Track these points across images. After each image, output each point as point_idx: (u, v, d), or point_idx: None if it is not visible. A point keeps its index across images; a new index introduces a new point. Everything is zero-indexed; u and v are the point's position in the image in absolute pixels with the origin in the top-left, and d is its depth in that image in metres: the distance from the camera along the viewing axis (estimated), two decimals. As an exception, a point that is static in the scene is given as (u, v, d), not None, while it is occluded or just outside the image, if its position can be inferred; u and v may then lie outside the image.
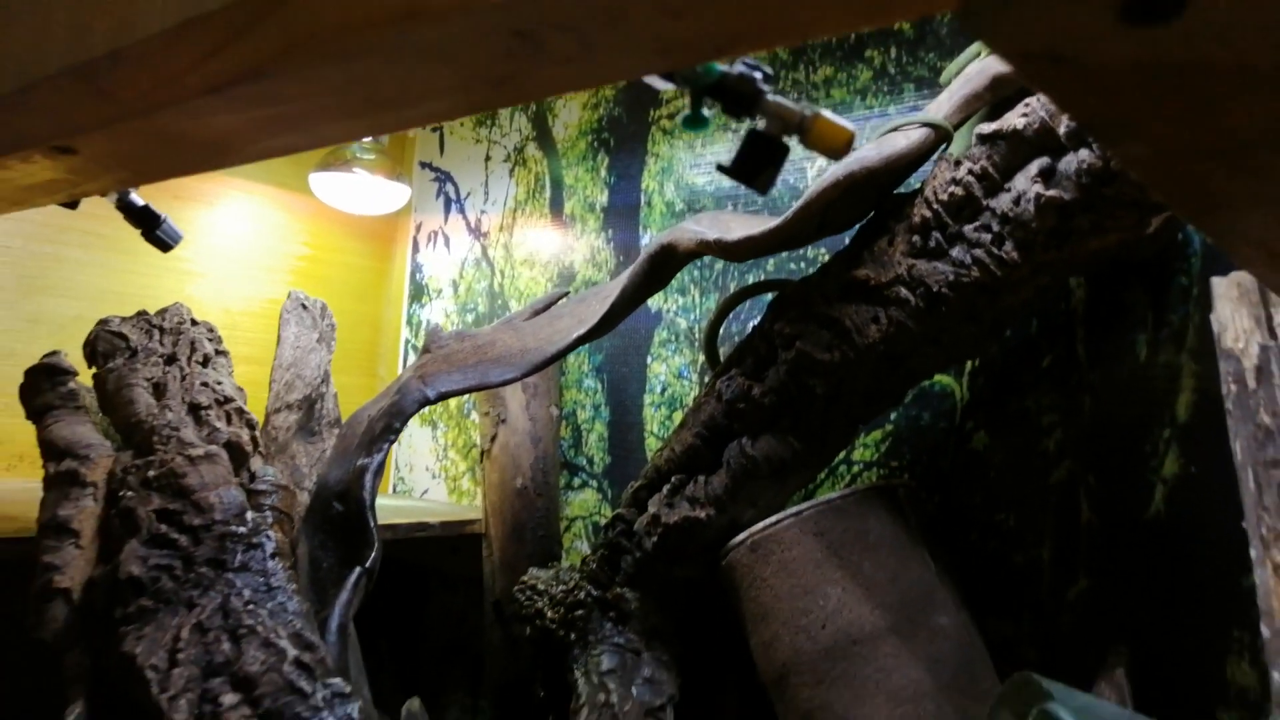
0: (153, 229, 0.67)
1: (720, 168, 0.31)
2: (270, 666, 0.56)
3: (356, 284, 1.20)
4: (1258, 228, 0.28)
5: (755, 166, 0.30)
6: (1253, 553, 0.47)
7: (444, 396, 0.79)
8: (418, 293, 1.20)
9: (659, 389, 0.95)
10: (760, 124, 0.30)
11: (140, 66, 0.31)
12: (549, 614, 0.83)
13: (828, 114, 0.30)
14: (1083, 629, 0.68)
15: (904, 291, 0.61)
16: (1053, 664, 0.69)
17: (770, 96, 0.30)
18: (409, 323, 1.20)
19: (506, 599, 0.90)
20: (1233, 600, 0.60)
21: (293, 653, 0.57)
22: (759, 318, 0.72)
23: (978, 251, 0.58)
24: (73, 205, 0.52)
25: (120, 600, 0.58)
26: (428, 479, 1.15)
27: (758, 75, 0.29)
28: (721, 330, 0.83)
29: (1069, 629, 0.69)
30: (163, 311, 0.76)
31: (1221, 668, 0.61)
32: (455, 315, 1.15)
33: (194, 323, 0.77)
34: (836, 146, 0.30)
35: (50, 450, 0.65)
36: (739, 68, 0.30)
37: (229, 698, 0.54)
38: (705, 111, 0.29)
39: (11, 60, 0.38)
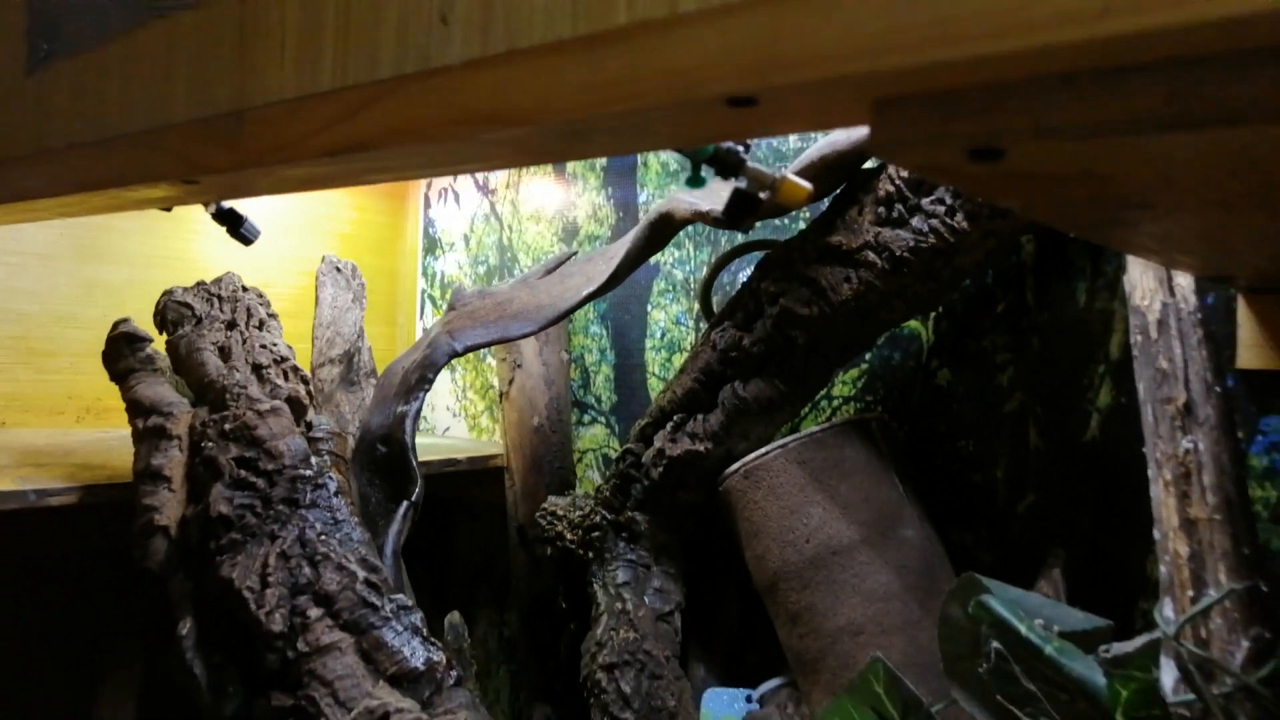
0: (237, 228, 0.76)
1: (714, 219, 0.41)
2: (345, 585, 0.67)
3: (374, 239, 1.28)
4: (1140, 242, 0.38)
5: (739, 214, 0.39)
6: (1150, 471, 0.57)
7: (470, 349, 0.89)
8: (431, 246, 1.29)
9: (659, 334, 1.05)
10: (742, 183, 0.39)
11: (265, 127, 0.40)
12: (568, 536, 0.95)
13: (792, 176, 0.39)
14: (1029, 536, 0.80)
15: (872, 255, 0.71)
16: (1004, 567, 0.80)
17: (749, 164, 0.39)
18: (424, 274, 1.30)
19: (529, 524, 1.02)
20: (1149, 509, 0.71)
21: (362, 574, 0.69)
22: (747, 273, 0.82)
23: (933, 221, 0.67)
24: (168, 209, 0.61)
25: (213, 534, 0.69)
26: (449, 417, 1.26)
27: (740, 149, 0.39)
28: (715, 282, 0.92)
29: (1018, 537, 0.81)
30: (218, 280, 0.85)
31: (1142, 566, 0.73)
32: (468, 267, 1.24)
33: (244, 289, 0.86)
34: (798, 200, 0.39)
35: (137, 408, 0.75)
36: (726, 144, 0.39)
37: (314, 612, 0.65)
38: (703, 174, 0.38)
39: (141, 103, 0.47)
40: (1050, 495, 0.79)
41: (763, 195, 0.40)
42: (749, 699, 0.84)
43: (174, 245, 1.07)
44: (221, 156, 0.43)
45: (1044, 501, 0.80)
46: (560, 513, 0.97)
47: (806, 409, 0.92)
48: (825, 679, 0.76)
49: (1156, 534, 0.56)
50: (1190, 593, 0.54)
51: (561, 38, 0.30)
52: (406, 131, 0.35)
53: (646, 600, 0.86)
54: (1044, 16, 0.22)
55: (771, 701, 0.82)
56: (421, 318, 1.30)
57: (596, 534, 0.91)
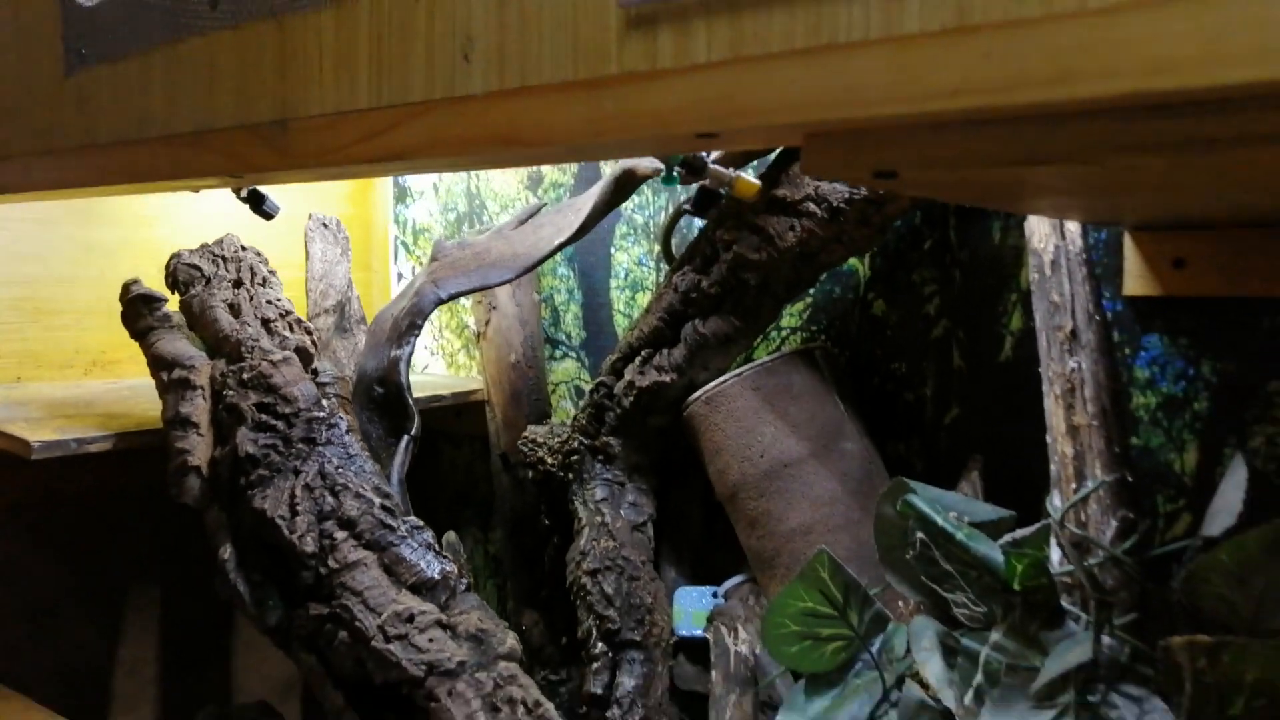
0: (260, 205, 0.84)
1: (685, 210, 0.50)
2: (364, 511, 0.77)
3: (347, 190, 1.35)
4: (1031, 209, 0.48)
5: (705, 206, 0.49)
6: (1044, 387, 0.69)
7: (454, 296, 0.98)
8: (401, 195, 1.36)
9: (622, 275, 1.15)
10: (706, 182, 0.48)
11: (308, 135, 0.49)
12: (549, 460, 1.05)
13: (745, 175, 0.48)
14: (953, 445, 0.92)
15: (812, 206, 0.81)
16: (932, 472, 0.93)
17: (711, 167, 0.48)
18: (396, 222, 1.37)
19: (512, 452, 1.12)
20: (1051, 418, 0.83)
21: (377, 501, 0.79)
22: (702, 221, 0.91)
23: (865, 176, 0.77)
24: (197, 190, 0.68)
25: (242, 472, 0.78)
26: (427, 356, 1.35)
27: (705, 155, 0.48)
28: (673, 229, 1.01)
29: (944, 446, 0.93)
30: (219, 242, 0.92)
31: (1045, 466, 0.85)
32: (438, 214, 1.32)
33: (244, 249, 0.94)
34: (750, 194, 0.48)
35: (160, 362, 0.84)
36: (694, 153, 0.48)
37: (339, 534, 0.75)
38: (674, 174, 0.47)
39: (186, 107, 0.55)
40: (971, 409, 0.91)
41: (722, 191, 0.49)
42: (715, 594, 0.96)
43: (159, 205, 1.13)
44: (268, 158, 0.51)
45: (965, 414, 0.92)
46: (540, 440, 1.08)
47: (758, 341, 1.02)
48: (780, 573, 0.88)
49: (1049, 439, 0.68)
50: (1074, 485, 0.66)
51: (566, 79, 0.40)
52: (437, 146, 0.44)
53: (622, 513, 0.97)
54: (919, 92, 0.31)
55: (735, 595, 0.94)
56: (395, 262, 1.37)
57: (575, 457, 1.01)
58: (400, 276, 1.37)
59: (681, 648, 0.95)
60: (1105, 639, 0.62)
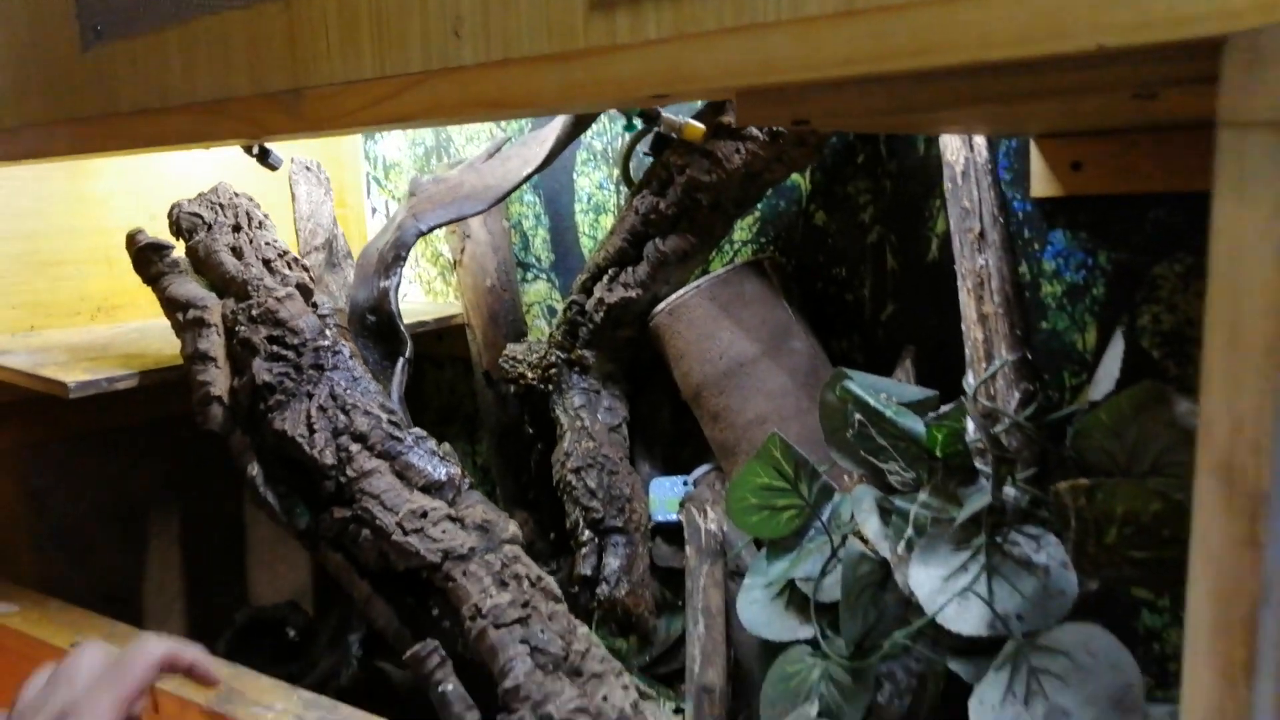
0: (265, 158, 0.91)
1: (646, 152, 0.59)
2: (374, 425, 0.87)
3: (316, 130, 1.41)
4: (943, 130, 0.58)
5: (660, 149, 0.57)
6: (958, 282, 0.80)
7: (434, 228, 1.07)
8: (370, 132, 1.42)
9: (585, 199, 1.24)
10: (660, 128, 0.57)
11: (321, 102, 0.57)
12: (529, 375, 1.16)
13: (691, 121, 0.57)
14: (890, 338, 1.04)
15: (755, 130, 0.90)
16: (871, 363, 1.04)
17: (664, 115, 0.57)
18: (367, 158, 1.44)
19: (493, 369, 1.22)
20: (971, 309, 0.95)
21: (384, 416, 0.89)
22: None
23: (800, 103, 0.87)
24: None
25: (260, 398, 0.88)
26: (406, 285, 1.43)
27: (659, 106, 0.57)
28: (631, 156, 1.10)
29: (881, 340, 1.04)
30: (214, 190, 1.00)
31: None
32: (406, 149, 1.39)
33: (237, 195, 1.01)
34: (697, 136, 0.58)
35: (174, 304, 0.92)
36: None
37: (354, 447, 0.86)
38: (634, 122, 0.56)
39: (203, 78, 0.63)
40: (904, 305, 1.03)
41: (673, 135, 0.57)
42: (686, 483, 1.08)
43: (144, 157, 1.19)
44: (285, 122, 0.60)
45: (899, 310, 1.03)
46: (520, 357, 1.18)
47: (713, 254, 1.12)
48: (741, 459, 1.00)
49: (963, 326, 0.80)
50: (984, 365, 0.78)
51: (542, 53, 0.49)
52: (435, 110, 0.53)
53: (600, 417, 1.08)
54: (819, 61, 0.41)
55: (703, 482, 1.06)
56: (369, 197, 1.45)
57: (553, 370, 1.12)
58: (374, 211, 1.45)
59: (658, 531, 1.07)
60: (1010, 490, 0.74)
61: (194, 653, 0.62)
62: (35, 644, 0.86)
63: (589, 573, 1.00)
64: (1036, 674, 0.65)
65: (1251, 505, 0.29)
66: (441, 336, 1.33)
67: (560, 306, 1.19)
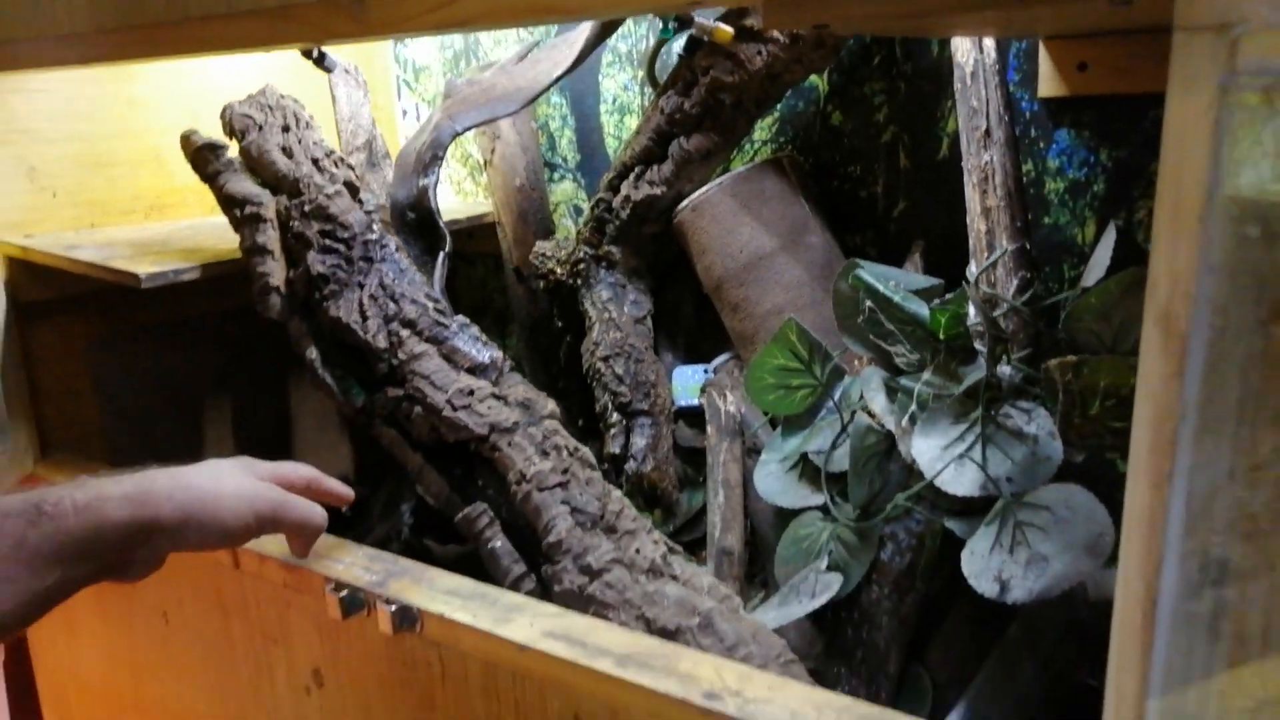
0: (322, 61, 0.96)
1: (680, 53, 0.65)
2: (421, 313, 0.95)
3: (347, 34, 1.45)
4: (957, 33, 0.64)
5: (692, 51, 0.62)
6: (965, 178, 0.86)
7: (468, 129, 1.13)
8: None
9: (610, 100, 1.28)
10: (693, 30, 0.62)
11: (384, 9, 0.62)
12: (558, 270, 1.22)
13: (722, 25, 0.62)
14: (901, 233, 1.09)
15: (776, 33, 0.95)
16: (884, 257, 1.10)
17: (697, 20, 0.62)
18: (396, 61, 1.48)
19: (524, 266, 1.29)
20: (978, 205, 1.00)
21: (430, 305, 0.96)
22: (679, 44, 1.04)
23: (819, 7, 0.91)
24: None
25: (316, 288, 0.95)
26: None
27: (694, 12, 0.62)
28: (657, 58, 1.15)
29: (894, 234, 1.10)
30: (262, 92, 1.05)
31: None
32: (435, 51, 1.43)
33: (283, 98, 1.07)
34: (726, 39, 0.63)
35: (231, 201, 0.98)
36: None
37: (404, 332, 0.93)
38: (670, 27, 0.61)
39: (268, -13, 0.68)
40: (915, 201, 1.08)
41: (705, 38, 0.62)
42: (706, 371, 1.15)
43: (187, 61, 1.24)
44: (350, 28, 0.65)
45: (911, 206, 1.09)
46: (549, 254, 1.24)
47: (734, 154, 1.17)
48: (759, 348, 1.07)
49: (968, 220, 0.86)
50: (986, 254, 0.84)
51: (588, -36, 0.54)
52: (494, 15, 0.58)
53: (626, 309, 1.15)
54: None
55: (723, 370, 1.13)
56: (399, 99, 1.49)
57: (581, 265, 1.18)
58: (404, 113, 1.49)
59: (680, 415, 1.15)
60: (1005, 369, 0.81)
61: (333, 481, 0.77)
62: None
63: (617, 451, 1.09)
64: (1021, 527, 0.73)
65: (1180, 345, 0.37)
66: (473, 235, 1.39)
67: (586, 205, 1.25)
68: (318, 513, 0.73)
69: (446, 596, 0.75)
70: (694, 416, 1.14)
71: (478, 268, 1.47)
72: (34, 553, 0.54)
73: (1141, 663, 0.40)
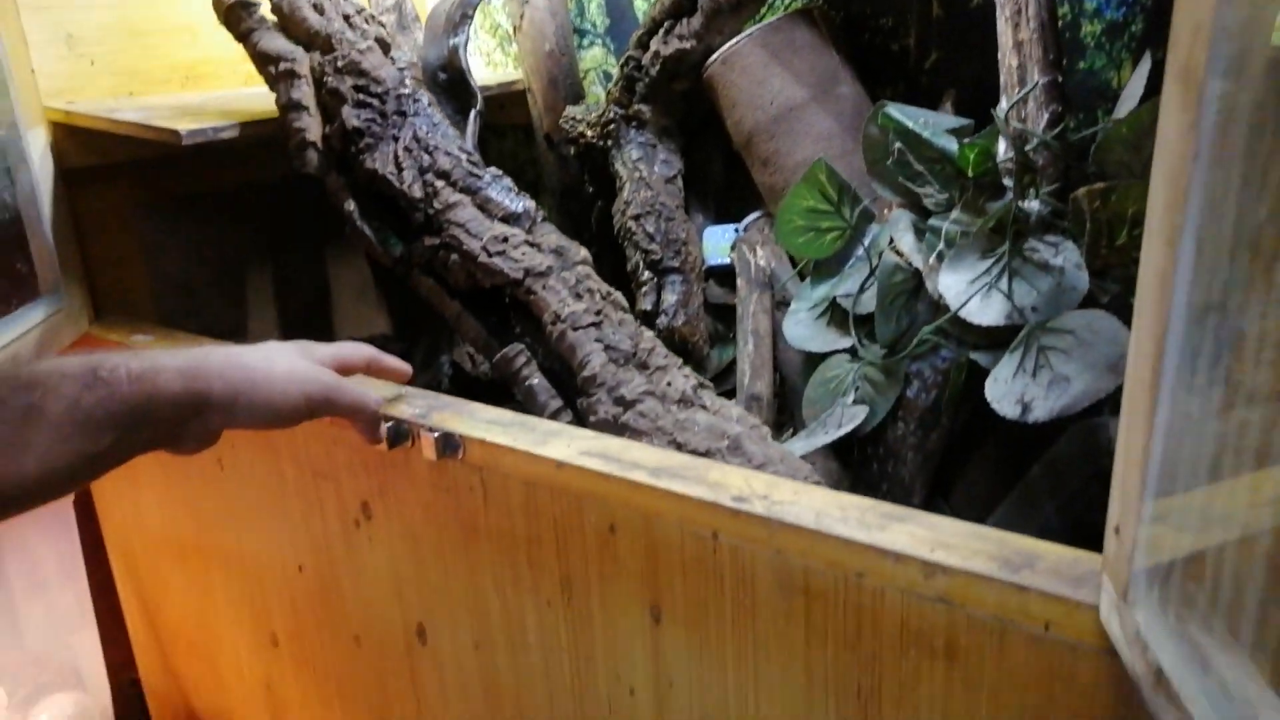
0: None
1: None
2: (455, 164, 0.96)
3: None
4: None
5: None
6: (997, 13, 0.85)
7: (496, -12, 1.12)
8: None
9: (639, -40, 1.27)
10: None
11: None
12: (588, 133, 1.23)
13: None
14: (933, 84, 1.08)
15: None
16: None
17: None
18: (422, -71, 1.46)
19: (554, 132, 1.29)
20: (1011, 49, 0.99)
21: (463, 157, 0.97)
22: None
23: None
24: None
25: (351, 142, 0.97)
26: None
27: None
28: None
29: (925, 85, 1.09)
30: (289, -48, 1.05)
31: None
32: (461, -82, 1.41)
33: (311, -43, 1.07)
34: None
35: (265, 58, 1.00)
36: None
37: (439, 183, 0.95)
38: None
39: None
40: (947, 52, 1.07)
41: None
42: (737, 230, 1.16)
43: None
44: None
45: (943, 58, 1.08)
46: (579, 117, 1.25)
47: (764, 7, 1.16)
48: (790, 202, 1.08)
49: (1000, 56, 0.85)
50: (1017, 90, 0.83)
51: None
52: None
53: (657, 169, 1.16)
54: None
55: (753, 228, 1.14)
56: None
57: (611, 126, 1.19)
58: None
59: (711, 274, 1.17)
60: (1034, 204, 0.82)
61: (392, 359, 0.77)
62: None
63: (649, 308, 1.11)
64: (1045, 351, 0.75)
65: (1197, 94, 0.38)
66: (504, 105, 1.39)
67: (615, 70, 1.25)
68: (370, 398, 0.73)
69: (487, 425, 0.78)
70: (725, 275, 1.16)
71: (508, 139, 1.48)
72: (87, 415, 0.55)
73: (1148, 419, 0.42)
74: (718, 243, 1.17)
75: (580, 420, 0.84)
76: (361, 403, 0.71)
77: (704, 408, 0.81)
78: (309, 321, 1.40)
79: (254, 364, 0.64)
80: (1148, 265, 0.41)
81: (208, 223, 1.26)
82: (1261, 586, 0.35)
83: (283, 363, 0.66)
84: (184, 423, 0.61)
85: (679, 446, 0.77)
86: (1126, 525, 0.45)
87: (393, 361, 0.78)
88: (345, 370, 0.72)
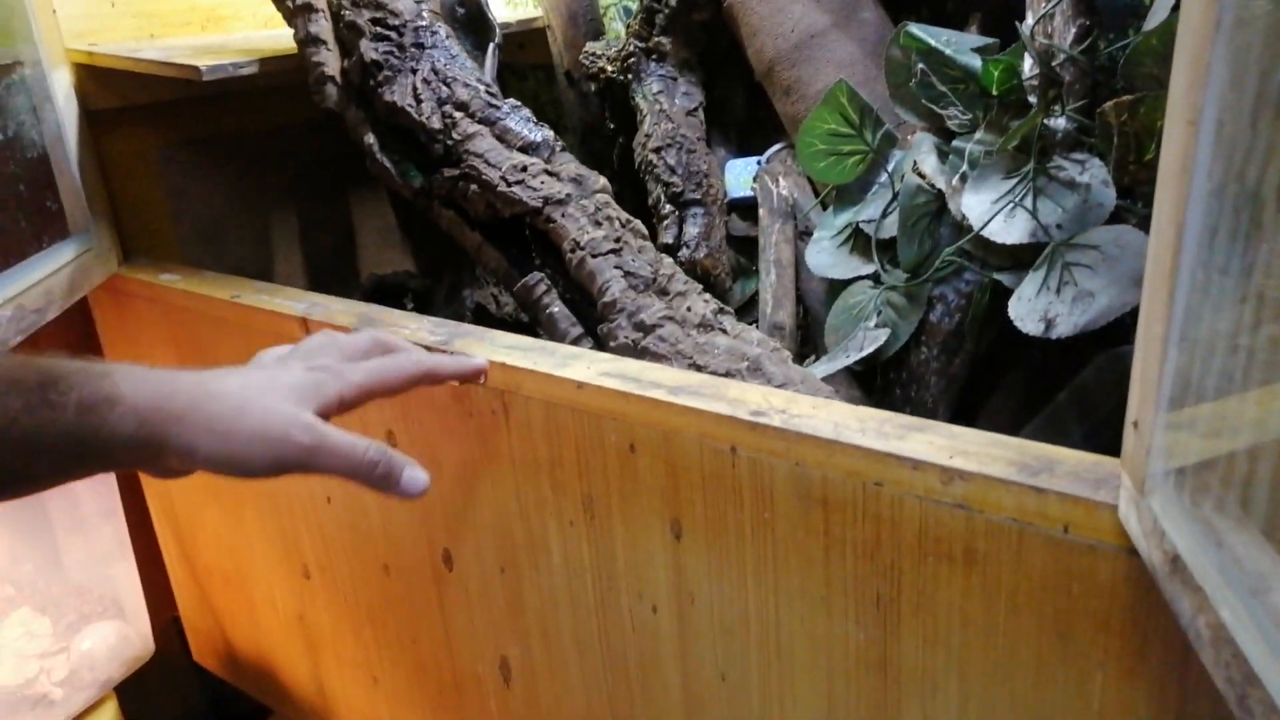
0: None
1: None
2: (473, 95, 0.96)
3: None
4: None
5: None
6: (1023, -74, 0.83)
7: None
8: None
9: (658, -110, 1.24)
10: None
11: None
12: (609, 68, 1.22)
13: None
14: (957, 13, 1.06)
15: None
16: (940, 36, 1.08)
17: None
18: None
19: (575, 68, 1.28)
20: (1039, -32, 0.97)
21: (481, 88, 0.97)
22: None
23: None
24: None
25: (370, 75, 0.97)
26: None
27: None
28: None
29: (950, 13, 1.07)
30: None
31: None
32: None
33: (324, -108, 1.06)
34: None
35: (283, -8, 1.00)
36: None
37: (457, 114, 0.95)
38: None
39: None
40: (974, -26, 1.05)
41: None
42: (759, 163, 1.15)
43: None
44: None
45: (969, -20, 1.05)
46: (599, 52, 1.24)
47: (786, -66, 1.14)
48: (812, 132, 1.06)
49: (1025, -31, 0.83)
50: (1044, 4, 0.82)
51: None
52: None
53: (677, 101, 1.15)
54: None
55: (775, 159, 1.13)
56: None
57: (632, 60, 1.18)
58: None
59: (734, 208, 1.16)
60: (1060, 121, 0.80)
61: (453, 364, 0.71)
62: (201, 300, 1.01)
63: (670, 241, 1.10)
64: (1069, 267, 0.74)
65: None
66: (523, 44, 1.38)
67: (635, 4, 1.23)
68: (364, 456, 0.59)
69: (508, 349, 0.78)
70: (747, 208, 1.15)
71: (529, 81, 1.47)
72: (25, 437, 0.48)
73: (1166, 305, 0.41)
74: (740, 175, 1.16)
75: (600, 346, 0.85)
76: (350, 465, 0.58)
77: (724, 331, 0.81)
78: (332, 265, 1.41)
79: (221, 412, 0.54)
80: (1168, 149, 0.41)
81: (231, 166, 1.26)
82: (1277, 454, 0.35)
83: (255, 413, 0.55)
84: (138, 463, 0.54)
85: (699, 369, 0.77)
86: (1145, 418, 0.44)
87: (455, 366, 0.70)
88: (381, 395, 0.64)
